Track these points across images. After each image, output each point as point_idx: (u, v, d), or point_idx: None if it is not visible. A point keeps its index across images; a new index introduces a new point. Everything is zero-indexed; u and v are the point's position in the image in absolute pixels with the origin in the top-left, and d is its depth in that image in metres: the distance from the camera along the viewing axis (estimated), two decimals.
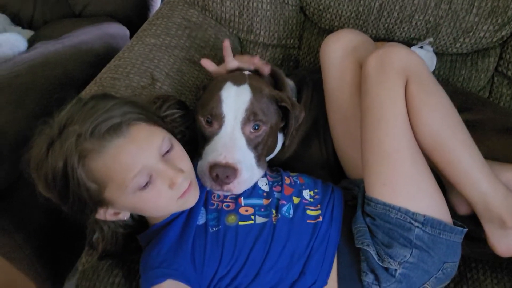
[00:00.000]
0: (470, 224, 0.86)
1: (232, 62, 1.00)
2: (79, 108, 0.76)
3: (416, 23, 1.11)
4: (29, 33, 1.46)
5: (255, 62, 0.99)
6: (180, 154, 0.80)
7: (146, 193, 0.75)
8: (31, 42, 1.35)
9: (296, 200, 0.88)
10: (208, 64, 1.01)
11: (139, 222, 0.89)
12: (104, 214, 0.79)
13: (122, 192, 0.74)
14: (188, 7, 1.21)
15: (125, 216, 0.81)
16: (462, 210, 0.91)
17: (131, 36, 1.49)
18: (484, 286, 0.89)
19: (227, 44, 1.00)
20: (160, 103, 0.93)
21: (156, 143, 0.76)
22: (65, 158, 0.71)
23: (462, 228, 0.83)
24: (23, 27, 1.49)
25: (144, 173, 0.74)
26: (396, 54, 0.87)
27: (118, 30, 1.40)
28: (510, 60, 1.11)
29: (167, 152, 0.78)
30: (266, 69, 0.99)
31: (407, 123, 0.85)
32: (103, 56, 1.27)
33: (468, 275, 0.91)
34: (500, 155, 0.92)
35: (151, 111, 0.84)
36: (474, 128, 0.89)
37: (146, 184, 0.74)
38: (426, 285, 0.81)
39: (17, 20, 1.51)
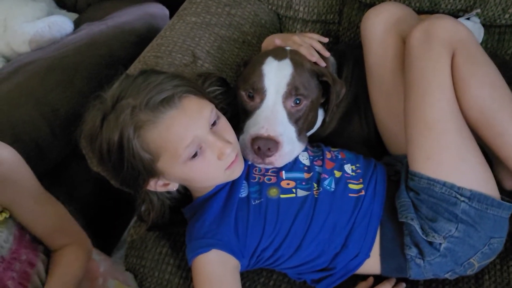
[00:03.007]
0: None
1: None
2: (130, 83, 0.79)
3: None
4: (74, 15, 1.50)
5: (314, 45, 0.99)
6: (226, 127, 0.83)
7: (196, 163, 0.77)
8: (76, 24, 1.39)
9: (337, 174, 0.89)
10: None
11: (184, 196, 0.92)
12: (155, 185, 0.82)
13: (174, 162, 0.77)
14: None
15: (174, 187, 0.84)
16: (509, 185, 0.89)
17: (170, 15, 1.51)
18: None
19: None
20: (202, 80, 0.95)
21: (206, 115, 0.78)
22: (121, 130, 0.74)
23: (510, 204, 0.81)
24: (68, 11, 1.54)
25: (195, 144, 0.76)
26: (442, 25, 0.85)
27: (158, 10, 1.42)
28: None
29: (214, 124, 0.80)
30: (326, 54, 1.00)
31: (452, 95, 0.83)
32: (144, 36, 1.29)
33: None
34: None
35: (198, 85, 0.86)
36: None
37: (196, 155, 0.77)
38: (471, 260, 0.81)
39: (62, 4, 1.56)
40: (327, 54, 1.01)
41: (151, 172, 0.79)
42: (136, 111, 0.75)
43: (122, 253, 1.53)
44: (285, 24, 1.25)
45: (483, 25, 1.09)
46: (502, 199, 0.82)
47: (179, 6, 1.32)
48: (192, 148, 0.76)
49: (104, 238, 1.32)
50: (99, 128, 0.77)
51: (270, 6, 1.22)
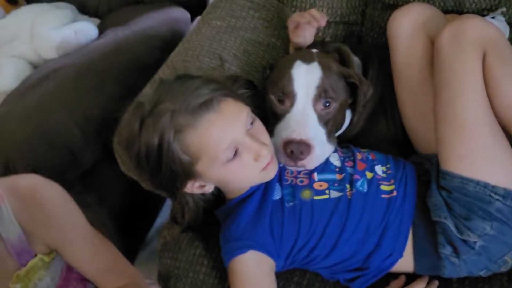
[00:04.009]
0: None
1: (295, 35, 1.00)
2: (167, 88, 0.80)
3: None
4: (96, 21, 1.53)
5: (313, 13, 0.99)
6: (261, 129, 0.84)
7: (233, 165, 0.79)
8: (100, 29, 1.41)
9: (369, 175, 0.90)
10: None
11: (217, 198, 0.93)
12: (192, 187, 0.84)
13: (213, 164, 0.78)
14: None
15: (209, 188, 0.86)
16: None
17: (192, 20, 1.53)
18: None
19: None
20: (230, 83, 0.96)
21: (243, 118, 0.80)
22: (161, 134, 0.76)
23: None
24: (90, 16, 1.56)
25: (233, 146, 0.78)
26: (472, 25, 0.86)
27: (180, 14, 1.44)
28: None
29: (250, 126, 0.81)
30: (322, 21, 0.99)
31: (484, 95, 0.84)
32: (169, 40, 1.31)
33: None
34: None
35: (232, 88, 0.87)
36: None
37: (234, 157, 0.78)
38: (505, 257, 0.82)
39: (84, 10, 1.58)
40: (323, 22, 1.00)
41: (189, 174, 0.80)
42: (176, 115, 0.76)
43: (148, 252, 1.57)
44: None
45: (509, 23, 1.09)
46: None
47: (199, 9, 1.34)
48: (230, 150, 0.78)
49: (131, 236, 1.35)
50: (137, 132, 0.79)
51: (293, 9, 1.23)
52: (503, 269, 0.84)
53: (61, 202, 0.79)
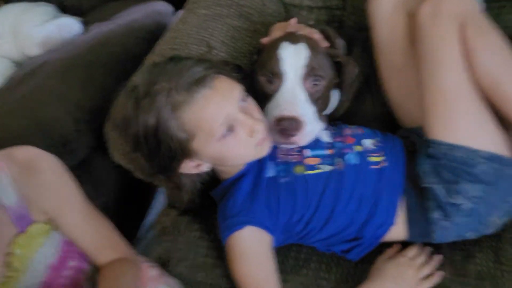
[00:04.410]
0: None
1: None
2: (160, 69, 0.82)
3: None
4: (78, 19, 1.52)
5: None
6: (254, 106, 0.86)
7: (229, 140, 0.81)
8: (84, 26, 1.41)
9: (358, 148, 0.93)
10: None
11: (212, 179, 0.95)
12: (188, 167, 0.85)
13: (209, 140, 0.80)
14: None
15: (206, 167, 0.87)
16: None
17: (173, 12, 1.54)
18: None
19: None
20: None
21: (236, 94, 0.82)
22: (158, 113, 0.77)
23: None
24: (72, 15, 1.55)
25: (228, 121, 0.80)
26: (449, 0, 0.90)
27: (163, 7, 1.45)
28: None
29: (244, 104, 0.83)
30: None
31: (463, 63, 0.87)
32: (154, 32, 1.32)
33: None
34: None
35: (225, 68, 0.89)
36: None
37: (229, 132, 0.80)
38: (493, 217, 0.85)
39: (64, 9, 1.57)
40: (325, 44, 1.01)
41: (186, 152, 0.82)
42: (172, 93, 0.78)
43: (140, 249, 1.56)
44: (290, 12, 1.28)
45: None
46: None
47: (181, 3, 1.35)
48: (225, 126, 0.79)
49: (124, 229, 1.34)
50: (133, 114, 0.79)
51: None
52: (491, 230, 0.88)
53: (56, 172, 0.81)
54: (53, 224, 0.80)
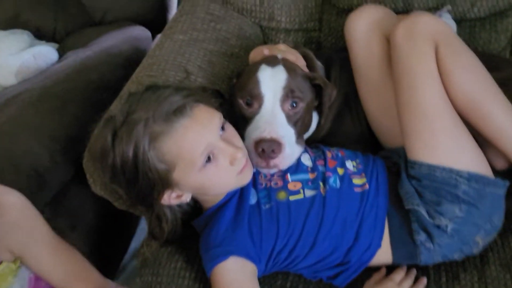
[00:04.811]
0: (508, 178, 0.90)
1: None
2: (137, 98, 0.81)
3: None
4: (54, 46, 1.50)
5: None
6: (234, 133, 0.86)
7: (210, 170, 0.80)
8: (59, 54, 1.39)
9: (340, 171, 0.92)
10: None
11: (194, 209, 0.93)
12: (169, 198, 0.83)
13: (190, 171, 0.79)
14: (210, 2, 1.25)
15: (187, 198, 0.86)
16: (500, 165, 0.94)
17: (152, 37, 1.54)
18: None
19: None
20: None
21: (216, 122, 0.81)
22: (136, 143, 0.76)
23: (504, 181, 0.86)
24: (47, 41, 1.53)
25: (208, 150, 0.79)
26: (423, 21, 0.91)
27: (141, 32, 1.44)
28: None
29: (223, 131, 0.83)
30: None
31: (440, 85, 0.88)
32: (132, 58, 1.31)
33: None
34: None
35: (204, 95, 0.89)
36: (503, 85, 0.92)
37: (210, 161, 0.79)
38: (476, 237, 0.85)
39: (40, 35, 1.55)
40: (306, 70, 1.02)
41: (166, 183, 0.80)
42: (150, 123, 0.76)
43: (123, 279, 1.52)
44: (268, 35, 1.29)
45: (454, 20, 1.16)
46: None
47: (159, 27, 1.35)
48: (206, 155, 0.78)
49: (105, 263, 1.31)
50: (111, 145, 0.78)
51: (253, 19, 1.27)
52: (475, 250, 0.87)
53: (21, 209, 0.79)
54: (20, 262, 0.77)
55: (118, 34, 1.39)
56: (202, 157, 0.78)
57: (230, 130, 0.85)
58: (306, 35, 1.29)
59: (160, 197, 0.82)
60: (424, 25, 0.90)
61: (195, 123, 0.78)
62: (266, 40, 1.30)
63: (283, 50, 1.02)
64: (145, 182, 0.78)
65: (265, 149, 0.86)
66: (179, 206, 0.89)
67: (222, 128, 0.83)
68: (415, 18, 0.92)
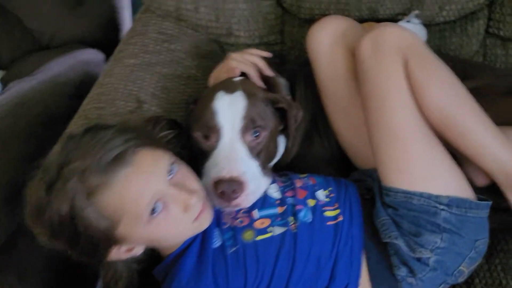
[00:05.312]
0: (490, 194, 0.84)
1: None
2: (74, 145, 0.72)
3: None
4: (0, 73, 1.39)
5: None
6: (187, 174, 0.77)
7: (161, 220, 0.71)
8: (4, 82, 1.28)
9: (312, 202, 0.84)
10: None
11: (152, 257, 0.84)
12: (118, 253, 0.74)
13: (137, 224, 0.70)
14: (162, 20, 1.16)
15: (139, 250, 0.77)
16: (481, 181, 0.88)
17: (106, 59, 1.43)
18: None
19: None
20: (151, 126, 0.89)
21: (163, 167, 0.72)
22: (71, 199, 0.67)
23: (486, 202, 0.80)
24: None
25: (155, 200, 0.70)
26: (389, 34, 0.84)
27: (91, 55, 1.34)
28: (500, 19, 1.09)
29: (173, 174, 0.74)
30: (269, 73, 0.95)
31: (412, 102, 0.82)
32: (81, 86, 1.21)
33: (498, 248, 0.88)
34: (509, 118, 0.89)
35: (150, 134, 0.80)
36: (478, 95, 0.86)
37: (160, 211, 0.71)
38: (461, 267, 0.78)
39: None
40: (270, 73, 0.96)
41: (112, 240, 0.71)
42: (86, 175, 0.68)
43: None
44: (227, 52, 1.21)
45: (424, 25, 1.10)
46: (477, 198, 0.80)
47: (113, 47, 1.25)
48: (153, 205, 0.70)
49: None
50: (45, 201, 0.69)
51: (209, 36, 1.18)
52: (461, 280, 0.81)
53: None
54: None
55: (66, 60, 1.28)
56: (148, 209, 0.70)
57: (182, 171, 0.77)
58: (268, 49, 1.19)
59: (107, 254, 0.73)
60: (391, 37, 0.83)
61: (138, 171, 0.70)
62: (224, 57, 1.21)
63: (239, 61, 0.94)
64: (87, 240, 0.70)
65: (225, 190, 0.78)
66: (133, 257, 0.80)
67: (172, 171, 0.74)
68: (381, 30, 0.84)
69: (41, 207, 0.70)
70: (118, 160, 0.69)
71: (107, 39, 1.42)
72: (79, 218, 0.68)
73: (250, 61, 0.96)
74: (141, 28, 1.16)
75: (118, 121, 0.90)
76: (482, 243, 0.80)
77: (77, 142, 0.73)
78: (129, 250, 0.76)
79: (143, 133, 0.77)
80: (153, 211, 0.70)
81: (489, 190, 0.86)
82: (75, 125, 0.97)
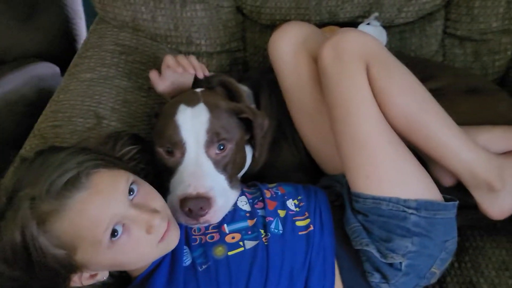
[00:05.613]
0: (457, 193, 0.85)
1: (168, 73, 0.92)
2: (26, 169, 0.68)
3: (358, 1, 1.08)
4: None
5: (194, 63, 0.92)
6: (149, 193, 0.74)
7: (123, 243, 0.68)
8: None
9: (282, 213, 0.83)
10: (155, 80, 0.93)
11: (120, 278, 0.81)
12: (80, 280, 0.70)
13: (96, 250, 0.66)
14: (119, 31, 1.12)
15: (103, 276, 0.73)
16: (447, 181, 0.89)
17: (62, 72, 1.38)
18: (484, 252, 0.88)
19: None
20: (112, 143, 0.85)
21: (121, 188, 0.69)
22: (22, 228, 0.63)
23: (454, 202, 0.80)
24: None
25: (116, 223, 0.67)
26: (350, 40, 0.83)
27: (46, 69, 1.28)
28: (457, 19, 1.10)
29: (134, 194, 0.71)
30: (201, 73, 0.92)
31: (376, 107, 0.81)
32: (36, 103, 1.15)
33: (467, 245, 0.90)
34: (470, 117, 0.91)
35: (108, 154, 0.76)
36: (439, 96, 0.87)
37: (121, 234, 0.67)
38: (432, 269, 0.79)
39: None
40: (201, 75, 0.93)
41: (71, 268, 0.68)
42: (37, 202, 0.64)
43: None
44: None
45: (384, 27, 1.11)
46: (444, 199, 0.81)
47: (69, 60, 1.20)
48: (111, 229, 0.66)
49: None
50: None
51: (169, 45, 1.15)
52: (433, 281, 0.82)
53: None
54: None
55: (20, 75, 1.22)
56: (107, 233, 0.66)
57: (145, 189, 0.73)
58: (230, 57, 1.19)
59: (68, 283, 0.69)
60: (352, 44, 0.83)
61: (94, 195, 0.66)
62: None
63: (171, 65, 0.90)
64: (43, 270, 0.66)
65: (192, 208, 0.75)
66: (99, 282, 0.76)
67: (132, 191, 0.71)
68: (342, 36, 0.84)
69: None
70: (71, 184, 0.65)
71: (62, 51, 1.36)
72: (32, 247, 0.64)
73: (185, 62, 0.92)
74: (96, 40, 1.11)
75: (74, 141, 0.86)
76: (451, 243, 0.81)
77: (27, 166, 0.69)
78: (92, 276, 0.72)
79: (101, 153, 0.74)
80: (113, 235, 0.67)
81: (455, 189, 0.88)
82: (30, 146, 0.92)
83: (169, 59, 0.91)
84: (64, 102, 0.98)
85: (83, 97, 0.98)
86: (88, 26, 1.42)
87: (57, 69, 1.32)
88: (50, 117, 0.96)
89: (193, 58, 0.93)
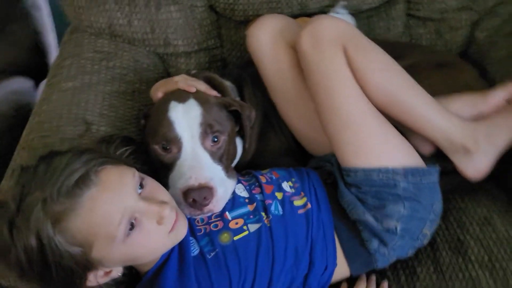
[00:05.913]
0: (435, 161, 0.91)
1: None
2: (31, 175, 0.68)
3: None
4: None
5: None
6: (155, 186, 0.76)
7: (136, 237, 0.70)
8: None
9: (279, 195, 0.87)
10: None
11: (131, 276, 0.82)
12: (95, 278, 0.71)
13: (111, 245, 0.68)
14: (96, 38, 1.12)
15: (118, 272, 0.75)
16: (427, 150, 0.95)
17: (35, 85, 1.36)
18: (467, 212, 0.93)
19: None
20: (105, 146, 0.86)
21: (130, 182, 0.71)
22: (37, 232, 0.64)
23: (435, 167, 0.87)
24: None
25: (127, 217, 0.68)
26: (325, 26, 0.88)
27: (21, 84, 1.26)
28: (418, 1, 1.18)
29: (142, 188, 0.73)
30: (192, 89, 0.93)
31: (356, 86, 0.87)
32: (14, 118, 1.13)
33: (450, 207, 0.96)
34: (441, 89, 0.97)
35: (108, 153, 0.77)
36: (411, 72, 0.93)
37: (133, 228, 0.69)
38: (424, 231, 0.85)
39: None
40: (213, 92, 0.94)
41: (87, 266, 0.69)
42: (49, 203, 0.65)
43: None
44: (168, 62, 1.20)
45: (352, 14, 1.16)
46: (426, 165, 0.87)
47: (42, 73, 1.19)
48: (126, 223, 0.68)
49: None
50: (9, 238, 0.65)
51: (147, 48, 1.16)
52: (425, 242, 0.87)
53: None
54: None
55: None
56: (121, 227, 0.68)
57: (150, 184, 0.75)
58: (209, 54, 1.21)
59: (84, 283, 0.70)
60: (328, 29, 0.88)
61: (104, 191, 0.68)
62: (167, 67, 1.20)
63: (181, 81, 0.93)
64: (60, 272, 0.66)
65: (196, 198, 0.78)
66: (112, 280, 0.77)
67: (141, 184, 0.73)
68: (317, 23, 0.89)
69: (5, 247, 0.66)
70: (82, 182, 0.66)
71: (34, 65, 1.34)
72: (49, 249, 0.65)
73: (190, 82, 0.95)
74: (73, 49, 1.11)
75: (70, 146, 0.87)
76: (438, 205, 0.87)
77: (32, 173, 0.70)
78: (107, 273, 0.73)
79: (101, 153, 0.75)
80: (130, 226, 0.68)
81: (434, 158, 0.94)
82: (21, 158, 0.91)
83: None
84: (48, 112, 0.98)
85: (69, 105, 0.98)
86: (59, 38, 1.40)
87: (30, 83, 1.30)
88: (36, 129, 0.95)
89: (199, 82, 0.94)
